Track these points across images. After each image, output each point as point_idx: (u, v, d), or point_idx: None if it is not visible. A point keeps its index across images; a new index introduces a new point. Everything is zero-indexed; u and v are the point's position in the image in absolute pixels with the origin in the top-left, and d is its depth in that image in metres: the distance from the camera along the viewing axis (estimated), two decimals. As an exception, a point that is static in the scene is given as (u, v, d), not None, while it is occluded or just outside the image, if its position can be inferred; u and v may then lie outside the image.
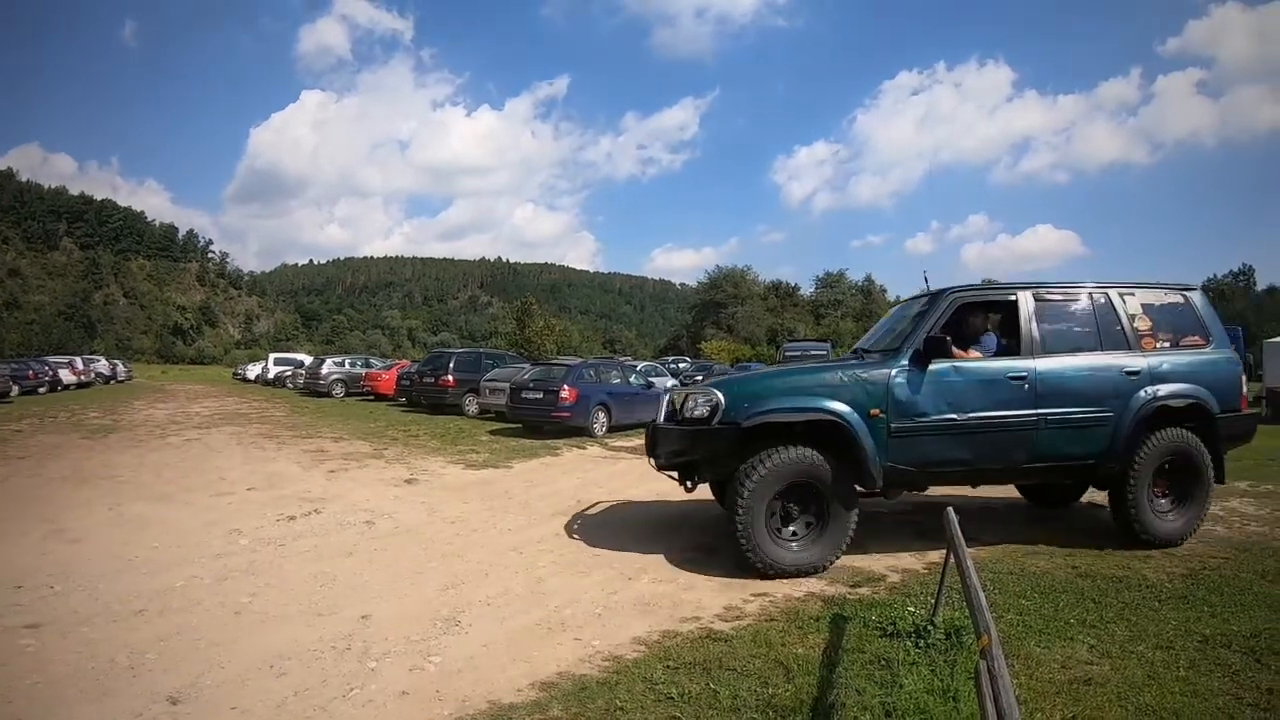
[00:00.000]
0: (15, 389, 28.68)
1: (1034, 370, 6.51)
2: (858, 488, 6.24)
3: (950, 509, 4.61)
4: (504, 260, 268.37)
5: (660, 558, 6.52)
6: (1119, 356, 6.75)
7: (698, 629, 4.87)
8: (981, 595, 3.22)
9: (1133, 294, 7.07)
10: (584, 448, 14.58)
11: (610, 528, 7.73)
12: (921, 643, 4.42)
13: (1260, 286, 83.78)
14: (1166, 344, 6.97)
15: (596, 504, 8.95)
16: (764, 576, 5.86)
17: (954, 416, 6.30)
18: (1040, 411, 6.46)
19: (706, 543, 6.99)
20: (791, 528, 6.13)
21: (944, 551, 4.66)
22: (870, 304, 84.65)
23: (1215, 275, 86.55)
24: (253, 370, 52.15)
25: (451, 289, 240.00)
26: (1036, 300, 6.83)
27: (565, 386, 16.04)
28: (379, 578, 5.91)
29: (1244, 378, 7.21)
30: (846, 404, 6.12)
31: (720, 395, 6.20)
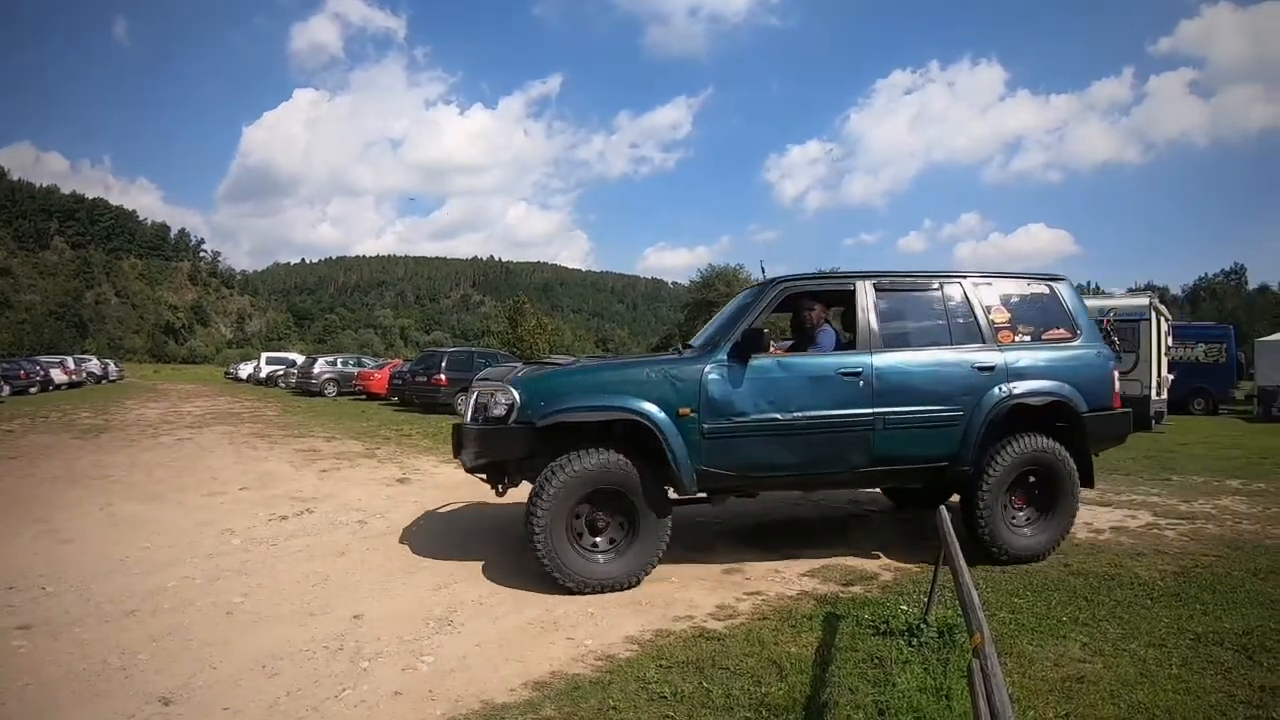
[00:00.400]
0: (6, 389, 28.66)
1: (870, 366, 6.01)
2: (675, 495, 5.87)
3: (943, 507, 4.62)
4: (496, 259, 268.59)
5: (653, 557, 6.49)
6: (971, 351, 6.27)
7: (691, 628, 4.86)
8: (974, 593, 3.23)
9: (990, 284, 6.59)
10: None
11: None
12: (914, 641, 4.42)
13: (1252, 285, 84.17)
14: (1027, 338, 6.51)
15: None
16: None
17: (777, 416, 5.80)
18: (878, 410, 5.95)
19: (700, 541, 6.98)
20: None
21: (937, 549, 4.66)
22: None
23: (1207, 274, 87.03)
24: (245, 370, 52.18)
25: (444, 288, 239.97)
26: (877, 290, 6.31)
27: None
28: (371, 577, 5.89)
29: (1116, 373, 6.80)
30: (653, 402, 5.63)
31: (516, 393, 5.67)
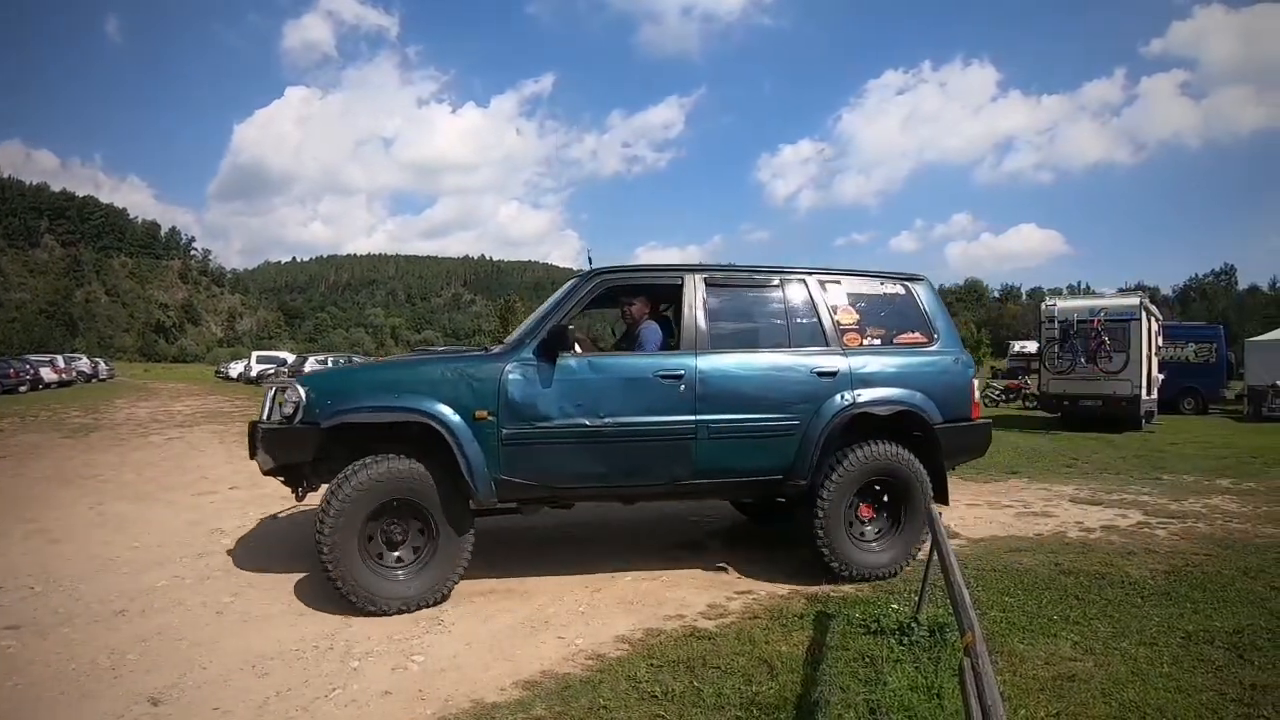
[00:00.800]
0: (-4, 388, 28.48)
1: (693, 368, 5.50)
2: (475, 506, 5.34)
3: (933, 507, 4.63)
4: (487, 258, 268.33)
5: (644, 554, 6.50)
6: (811, 355, 5.79)
7: (681, 627, 4.85)
8: (965, 592, 3.23)
9: (838, 283, 6.09)
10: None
11: (593, 525, 7.70)
12: (905, 640, 4.42)
13: (1242, 285, 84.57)
14: (877, 341, 6.03)
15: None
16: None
17: (585, 422, 5.29)
18: (702, 418, 5.46)
19: (691, 539, 6.98)
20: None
21: (927, 548, 4.67)
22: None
23: (1197, 274, 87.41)
24: (235, 368, 51.94)
25: (435, 287, 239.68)
26: (708, 286, 5.80)
27: None
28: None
29: (975, 381, 6.36)
30: (447, 404, 5.13)
31: (303, 391, 5.18)
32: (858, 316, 6.04)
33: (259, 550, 6.61)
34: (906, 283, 6.35)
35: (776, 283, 5.99)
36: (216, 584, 5.67)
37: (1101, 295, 21.08)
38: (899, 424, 5.90)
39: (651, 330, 5.98)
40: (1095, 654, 4.34)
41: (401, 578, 5.12)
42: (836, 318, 5.96)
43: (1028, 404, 23.57)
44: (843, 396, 5.70)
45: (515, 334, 6.09)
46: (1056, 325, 18.05)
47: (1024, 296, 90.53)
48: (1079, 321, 17.65)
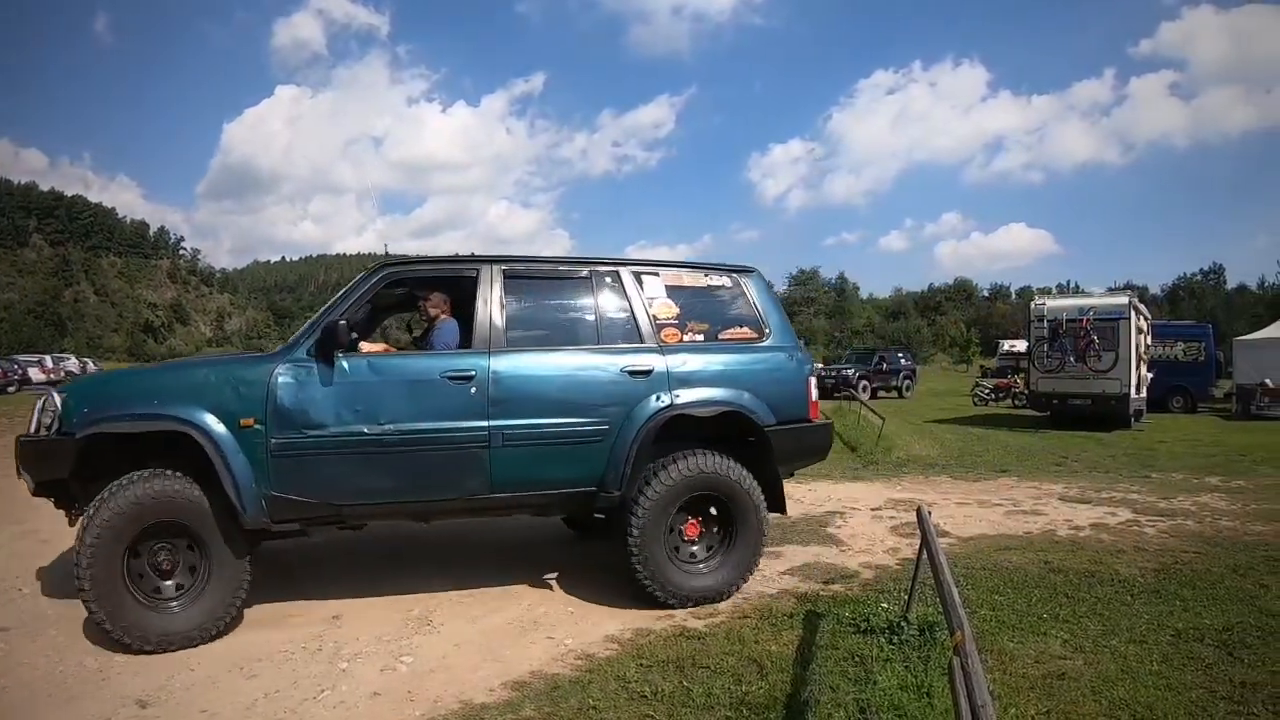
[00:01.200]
0: (-17, 388, 28.33)
1: (486, 369, 4.96)
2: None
3: (922, 505, 4.63)
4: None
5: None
6: (623, 353, 5.26)
7: (671, 627, 4.84)
8: (954, 591, 3.23)
9: (655, 275, 5.60)
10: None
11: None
12: (895, 639, 4.43)
13: (1230, 284, 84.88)
14: (700, 337, 5.53)
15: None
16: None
17: (363, 429, 4.72)
18: (496, 423, 4.90)
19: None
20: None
21: (917, 547, 4.67)
22: (843, 301, 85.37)
23: (1186, 273, 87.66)
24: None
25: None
26: (507, 279, 5.24)
27: None
28: (350, 576, 5.84)
29: (812, 380, 5.86)
30: (211, 411, 4.54)
31: (59, 399, 4.64)
32: (677, 311, 5.54)
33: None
34: (735, 274, 5.89)
35: (585, 274, 5.47)
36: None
37: (1090, 294, 21.22)
38: (728, 428, 5.44)
39: (447, 328, 5.45)
40: (1085, 652, 4.35)
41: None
42: (653, 312, 5.46)
43: (1017, 403, 23.61)
44: (658, 397, 5.19)
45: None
46: (1046, 324, 18.10)
47: (1013, 295, 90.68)
48: (1068, 320, 17.70)
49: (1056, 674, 4.05)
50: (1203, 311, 58.43)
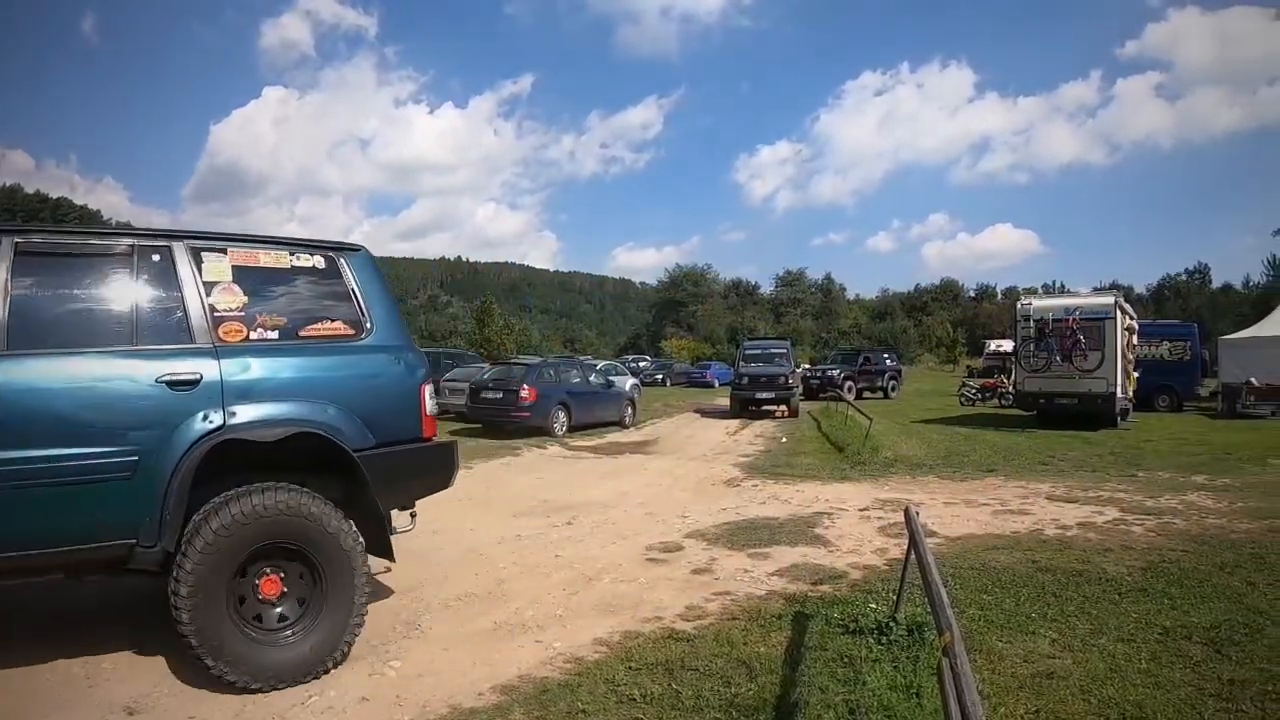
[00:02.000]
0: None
1: None
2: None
3: (910, 506, 4.63)
4: (464, 259, 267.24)
5: (621, 558, 6.47)
6: (162, 356, 4.02)
7: (659, 629, 4.83)
8: (943, 591, 3.22)
9: (221, 253, 4.36)
10: (544, 448, 14.52)
11: (571, 528, 7.67)
12: (884, 640, 4.42)
13: (1215, 284, 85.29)
14: (274, 334, 4.38)
15: (558, 504, 8.88)
16: None
17: None
18: None
19: (668, 542, 6.96)
20: None
21: (905, 548, 4.66)
22: (830, 302, 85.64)
23: (1171, 273, 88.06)
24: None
25: (411, 288, 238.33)
26: (19, 254, 3.87)
27: (525, 386, 15.98)
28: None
29: (426, 388, 4.85)
30: None
31: None
32: (245, 299, 4.35)
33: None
34: (332, 254, 4.75)
35: (125, 249, 4.16)
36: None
37: (1076, 294, 21.24)
38: (315, 452, 4.33)
39: None
40: (1073, 651, 4.35)
41: None
42: (211, 300, 4.24)
43: (1004, 402, 23.67)
44: (206, 416, 4.01)
45: None
46: (1032, 324, 18.13)
47: (999, 296, 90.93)
48: (1054, 320, 17.74)
49: (1045, 673, 4.05)
50: (1188, 311, 58.69)
